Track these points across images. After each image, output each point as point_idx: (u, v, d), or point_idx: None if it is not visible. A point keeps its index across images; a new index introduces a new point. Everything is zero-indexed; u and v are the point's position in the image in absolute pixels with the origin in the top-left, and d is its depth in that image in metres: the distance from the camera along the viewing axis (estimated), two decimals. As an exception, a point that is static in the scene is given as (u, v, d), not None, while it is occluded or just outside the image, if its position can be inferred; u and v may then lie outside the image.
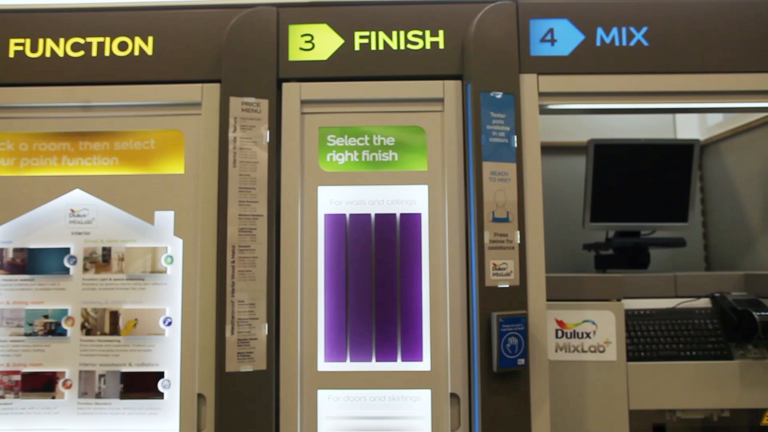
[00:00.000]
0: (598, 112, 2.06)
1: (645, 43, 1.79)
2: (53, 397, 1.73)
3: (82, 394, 1.73)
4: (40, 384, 1.73)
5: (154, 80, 1.80)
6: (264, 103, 1.72)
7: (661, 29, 1.79)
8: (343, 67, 1.79)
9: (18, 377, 1.73)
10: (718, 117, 2.59)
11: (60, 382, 1.73)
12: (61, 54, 1.81)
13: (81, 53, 1.81)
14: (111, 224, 1.78)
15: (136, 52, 1.81)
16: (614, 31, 1.79)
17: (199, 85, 1.79)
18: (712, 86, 1.78)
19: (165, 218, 1.77)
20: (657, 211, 2.38)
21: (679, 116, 2.80)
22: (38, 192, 1.79)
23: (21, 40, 1.82)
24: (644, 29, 1.79)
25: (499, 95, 1.70)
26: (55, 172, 1.80)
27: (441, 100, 1.78)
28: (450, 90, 1.77)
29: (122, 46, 1.81)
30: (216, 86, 1.76)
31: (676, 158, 2.35)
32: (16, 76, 1.80)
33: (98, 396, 1.73)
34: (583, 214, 2.37)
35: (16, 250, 1.77)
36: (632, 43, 1.79)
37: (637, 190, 2.36)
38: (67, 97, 1.79)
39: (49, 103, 1.80)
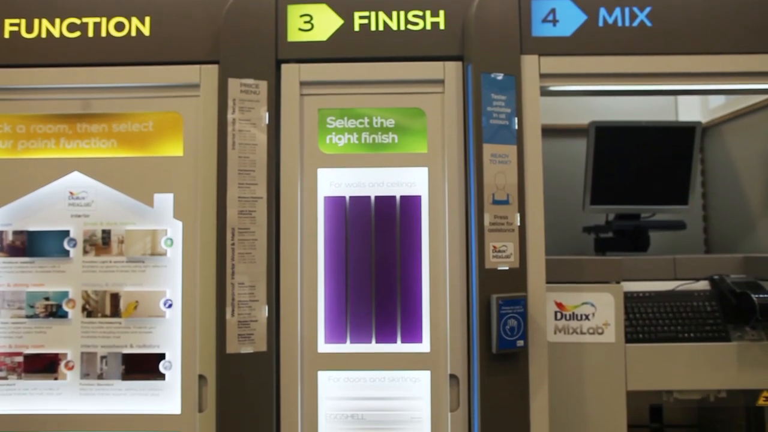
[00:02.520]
0: (600, 94, 2.04)
1: (648, 23, 1.77)
2: (56, 378, 1.74)
3: (84, 376, 1.74)
4: (43, 365, 1.74)
5: (152, 61, 1.78)
6: (263, 85, 1.70)
7: (664, 10, 1.77)
8: (342, 48, 1.77)
9: (20, 358, 1.74)
10: (720, 99, 2.57)
11: (62, 364, 1.74)
12: (57, 35, 1.79)
13: (77, 34, 1.79)
14: (110, 207, 1.77)
15: (133, 33, 1.79)
16: (617, 12, 1.77)
17: (198, 66, 1.77)
18: (715, 67, 1.76)
19: (164, 201, 1.77)
20: (657, 194, 2.37)
21: (680, 98, 2.78)
22: (37, 174, 1.78)
23: (16, 21, 1.79)
24: (647, 9, 1.77)
25: (500, 77, 1.69)
26: (54, 154, 1.80)
27: (441, 82, 1.76)
28: (450, 71, 1.75)
29: (119, 26, 1.79)
30: (214, 67, 1.74)
31: (678, 141, 2.33)
32: (11, 57, 1.78)
33: (100, 377, 1.74)
34: (583, 197, 2.36)
35: (15, 233, 1.77)
36: (635, 24, 1.77)
37: (638, 172, 2.35)
38: (64, 78, 1.78)
39: (46, 84, 1.78)
